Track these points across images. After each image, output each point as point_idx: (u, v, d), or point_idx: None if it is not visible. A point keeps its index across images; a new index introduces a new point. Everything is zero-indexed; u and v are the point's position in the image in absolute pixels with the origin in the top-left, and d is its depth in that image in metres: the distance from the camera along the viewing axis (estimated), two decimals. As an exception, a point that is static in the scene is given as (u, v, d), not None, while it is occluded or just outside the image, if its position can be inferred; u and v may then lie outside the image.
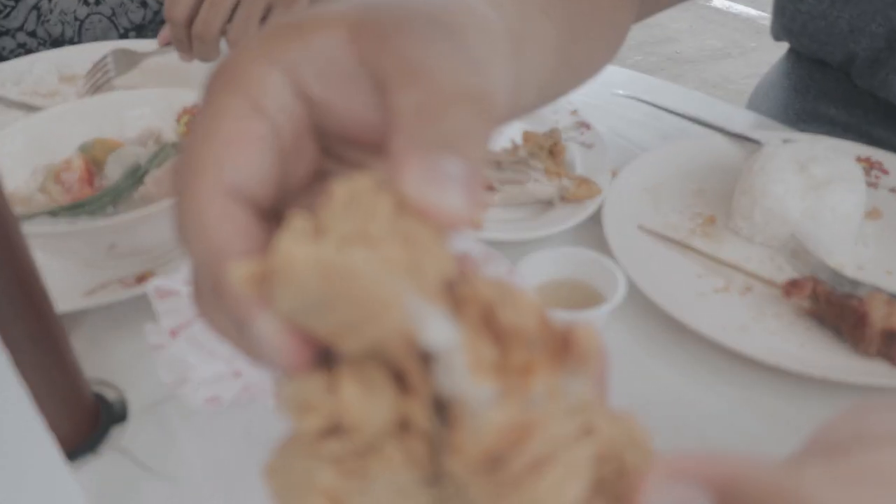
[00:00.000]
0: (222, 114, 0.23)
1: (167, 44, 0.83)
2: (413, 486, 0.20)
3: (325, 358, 0.21)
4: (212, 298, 0.23)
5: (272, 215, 0.25)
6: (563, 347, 0.21)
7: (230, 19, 0.79)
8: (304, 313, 0.20)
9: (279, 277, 0.19)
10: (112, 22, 1.04)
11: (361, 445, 0.20)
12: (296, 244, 0.19)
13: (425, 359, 0.21)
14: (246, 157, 0.23)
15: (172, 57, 0.83)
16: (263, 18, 0.79)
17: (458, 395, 0.20)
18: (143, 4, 1.06)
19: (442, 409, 0.21)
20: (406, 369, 0.20)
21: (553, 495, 0.19)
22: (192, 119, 0.24)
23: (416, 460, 0.20)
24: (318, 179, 0.26)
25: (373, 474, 0.20)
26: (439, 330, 0.20)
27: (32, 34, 0.98)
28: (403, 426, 0.20)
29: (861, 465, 0.21)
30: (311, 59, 0.24)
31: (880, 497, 0.20)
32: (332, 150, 0.27)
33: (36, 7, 0.95)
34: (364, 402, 0.20)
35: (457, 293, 0.21)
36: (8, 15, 0.95)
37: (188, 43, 0.79)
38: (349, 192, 0.20)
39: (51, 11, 0.96)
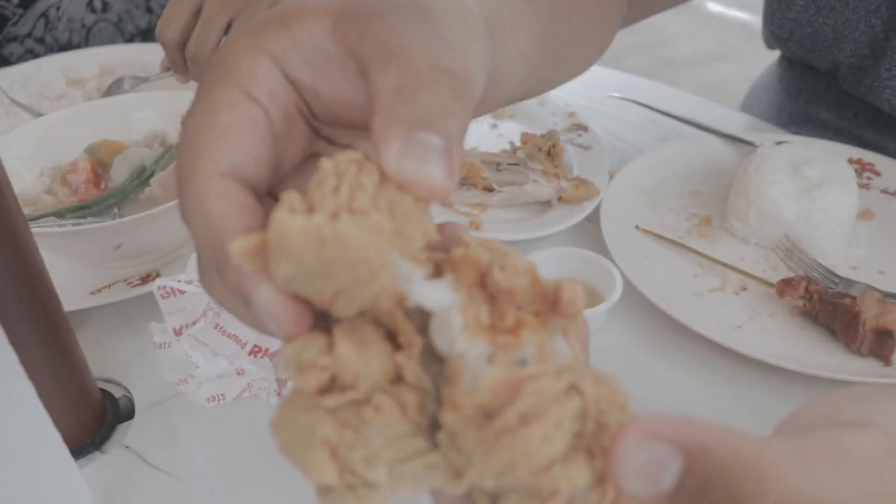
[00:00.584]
0: (216, 103, 0.25)
1: (168, 69, 0.83)
2: (406, 436, 0.22)
3: (322, 321, 0.22)
4: (216, 277, 0.25)
5: (268, 196, 0.26)
6: (552, 306, 0.23)
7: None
8: (299, 282, 0.21)
9: (275, 248, 0.21)
10: (118, 28, 1.04)
11: (357, 398, 0.21)
12: (290, 217, 0.20)
13: (413, 316, 0.22)
14: (241, 141, 0.24)
15: (173, 80, 0.84)
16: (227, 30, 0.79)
17: (453, 353, 0.21)
18: (149, 10, 1.06)
19: (434, 362, 0.22)
20: (396, 328, 0.22)
21: (540, 447, 0.20)
22: (187, 110, 0.26)
23: (409, 411, 0.22)
24: (309, 161, 0.28)
25: (369, 424, 0.21)
26: (436, 292, 0.22)
27: (40, 41, 0.99)
28: (396, 380, 0.22)
29: (824, 443, 0.22)
30: (297, 47, 0.25)
31: (838, 473, 0.21)
32: (322, 133, 0.28)
33: (44, 15, 0.96)
34: (358, 358, 0.21)
35: (452, 255, 0.23)
36: (17, 22, 0.95)
37: (183, 65, 0.78)
38: (337, 167, 0.22)
39: (59, 19, 0.97)
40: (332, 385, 0.21)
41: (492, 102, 0.40)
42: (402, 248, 0.22)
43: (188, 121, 0.25)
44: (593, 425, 0.22)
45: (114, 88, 0.86)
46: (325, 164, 0.22)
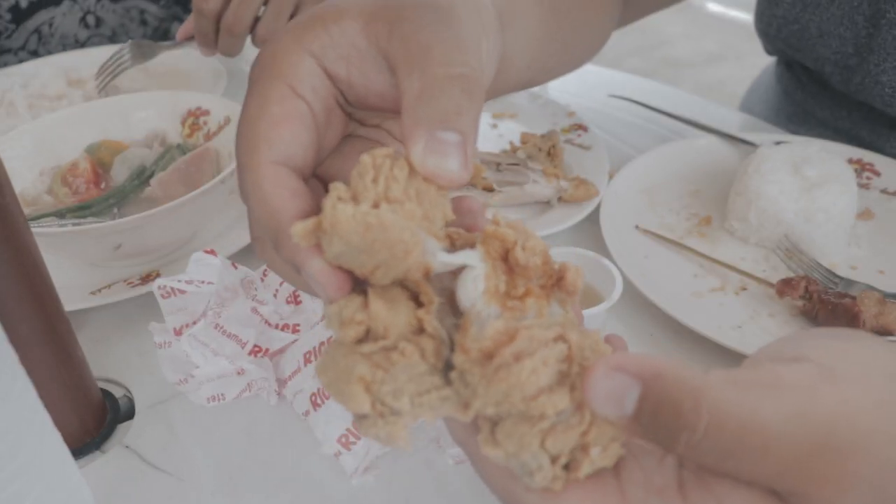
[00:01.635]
0: (268, 98, 0.29)
1: (187, 38, 0.83)
2: (425, 374, 0.27)
3: (357, 286, 0.28)
4: (271, 248, 0.30)
5: (312, 177, 0.32)
6: (557, 282, 0.29)
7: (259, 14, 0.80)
8: (347, 257, 0.26)
9: (329, 232, 0.26)
10: (112, 42, 1.04)
11: (387, 346, 0.26)
12: (341, 206, 0.25)
13: (433, 282, 0.28)
14: (291, 133, 0.29)
15: (182, 56, 0.84)
16: (292, 15, 0.80)
17: (471, 311, 0.27)
18: (143, 23, 1.06)
19: (448, 318, 0.28)
20: (421, 291, 0.27)
21: (529, 378, 0.25)
22: (244, 101, 0.30)
23: (427, 355, 0.27)
24: (345, 141, 0.33)
25: (395, 365, 0.26)
26: (467, 258, 0.28)
27: (34, 53, 0.99)
28: (418, 332, 0.27)
29: (757, 373, 0.26)
30: (334, 45, 0.30)
31: (764, 395, 0.24)
32: (354, 116, 0.33)
33: (37, 31, 0.95)
34: (388, 313, 0.26)
35: (485, 231, 0.28)
36: (10, 36, 0.95)
37: (213, 37, 0.80)
38: (374, 161, 0.27)
39: (52, 35, 0.96)
40: (367, 336, 0.27)
41: (501, 87, 0.45)
42: (427, 229, 0.27)
43: (245, 110, 0.30)
44: (577, 368, 0.26)
45: (122, 53, 0.85)
46: (365, 158, 0.27)
